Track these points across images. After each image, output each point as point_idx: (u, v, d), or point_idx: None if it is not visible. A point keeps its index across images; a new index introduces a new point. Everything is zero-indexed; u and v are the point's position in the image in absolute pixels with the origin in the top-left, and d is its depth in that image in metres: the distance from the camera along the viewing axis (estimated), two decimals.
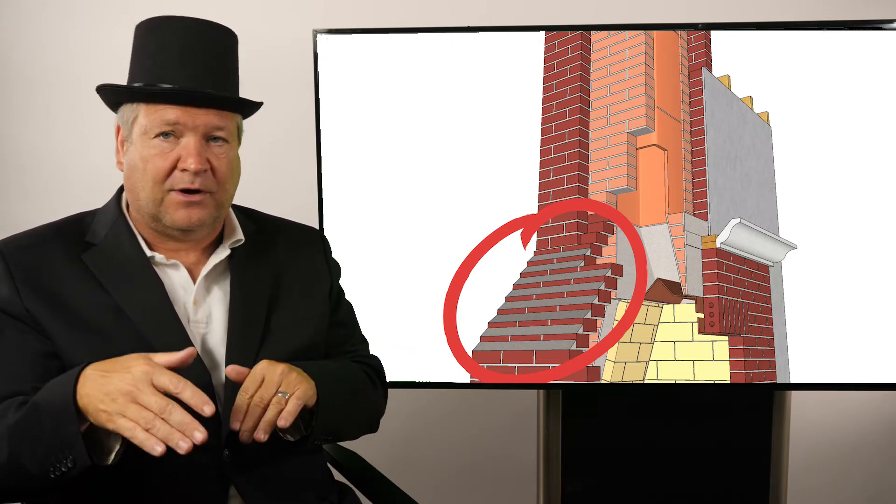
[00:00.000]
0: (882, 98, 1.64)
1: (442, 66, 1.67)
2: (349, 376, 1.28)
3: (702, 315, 1.68)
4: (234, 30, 1.22)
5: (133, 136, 1.14)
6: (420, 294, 1.70)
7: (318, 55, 1.67)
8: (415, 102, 1.68)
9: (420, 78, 1.67)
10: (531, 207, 1.68)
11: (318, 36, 1.67)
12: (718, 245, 1.67)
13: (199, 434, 0.94)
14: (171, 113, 1.12)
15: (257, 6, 2.10)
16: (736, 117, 1.66)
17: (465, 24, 1.69)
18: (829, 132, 1.65)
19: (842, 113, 1.65)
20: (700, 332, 1.68)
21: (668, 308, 1.68)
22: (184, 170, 1.12)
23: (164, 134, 1.12)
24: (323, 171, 1.70)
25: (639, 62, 1.66)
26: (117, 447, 1.01)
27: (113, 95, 1.16)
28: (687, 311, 1.68)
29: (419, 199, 1.69)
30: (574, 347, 1.68)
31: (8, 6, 2.10)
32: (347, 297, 1.42)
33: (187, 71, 1.13)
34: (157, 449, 0.93)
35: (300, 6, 2.10)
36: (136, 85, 1.14)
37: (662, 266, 1.68)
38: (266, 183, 2.05)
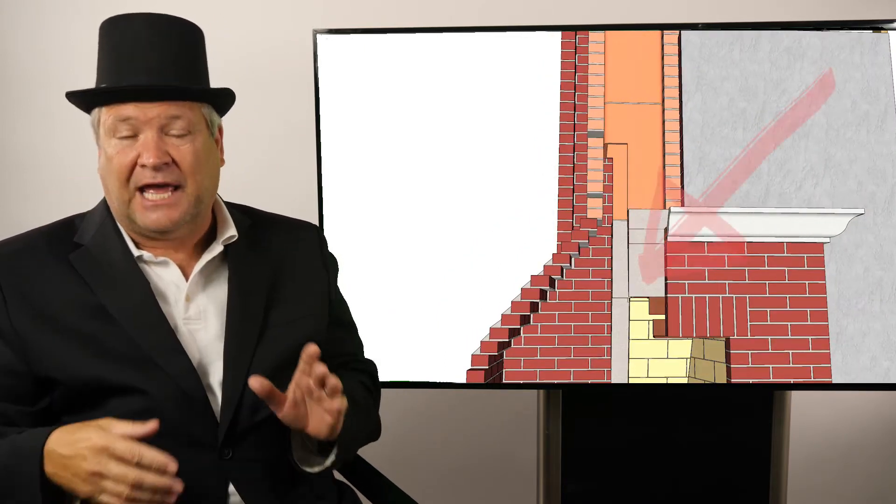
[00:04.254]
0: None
1: (441, 66, 1.67)
2: (360, 399, 1.28)
3: (662, 316, 1.67)
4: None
5: (101, 139, 1.16)
6: (421, 294, 1.70)
7: (318, 55, 1.67)
8: (415, 102, 1.68)
9: (420, 78, 1.67)
10: (531, 208, 1.68)
11: (318, 36, 1.67)
12: (668, 238, 1.66)
13: (178, 485, 0.99)
14: (124, 110, 1.12)
15: (257, 6, 2.10)
16: (761, 65, 1.62)
17: (465, 25, 1.69)
18: None
19: None
20: (657, 333, 1.67)
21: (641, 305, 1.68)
22: (143, 165, 1.12)
23: (126, 133, 1.13)
24: (323, 171, 1.70)
25: (598, 61, 1.66)
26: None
27: (77, 102, 1.18)
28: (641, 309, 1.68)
29: (419, 200, 1.69)
30: (573, 347, 1.68)
31: (8, 6, 2.10)
32: (349, 296, 1.42)
33: (139, 66, 1.13)
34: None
35: (300, 6, 2.10)
36: (80, 90, 1.15)
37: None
38: (266, 183, 2.05)
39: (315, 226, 1.41)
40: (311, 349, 1.06)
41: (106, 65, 1.16)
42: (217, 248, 1.22)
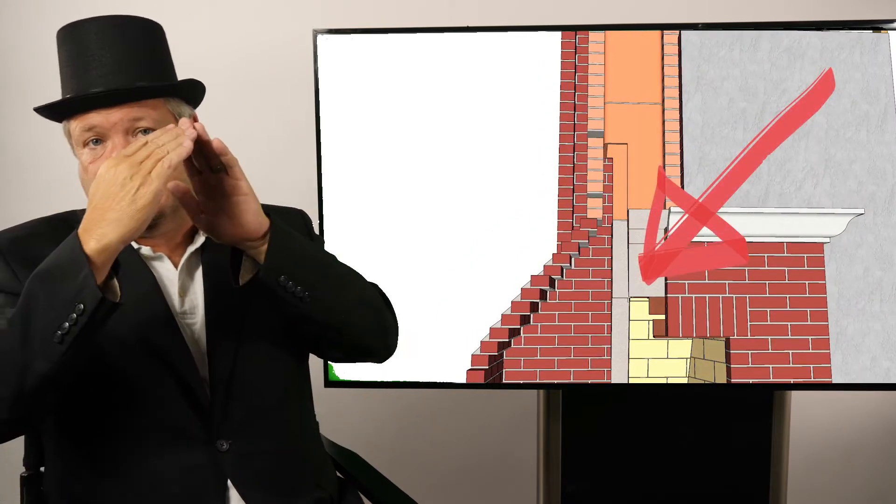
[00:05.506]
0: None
1: (442, 66, 1.67)
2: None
3: (662, 316, 1.67)
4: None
5: (74, 149, 1.18)
6: (421, 294, 1.70)
7: (318, 55, 1.67)
8: (415, 102, 1.68)
9: (420, 78, 1.67)
10: (531, 208, 1.68)
11: (318, 36, 1.67)
12: (668, 238, 1.66)
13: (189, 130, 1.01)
14: (89, 119, 1.13)
15: (257, 6, 2.10)
16: (761, 65, 1.62)
17: (465, 25, 1.69)
18: None
19: None
20: (657, 333, 1.67)
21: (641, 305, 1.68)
22: None
23: (94, 140, 1.14)
24: (323, 171, 1.70)
25: (598, 61, 1.66)
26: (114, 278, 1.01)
27: (47, 115, 1.18)
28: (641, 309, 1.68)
29: (420, 200, 1.69)
30: (573, 347, 1.68)
31: (8, 6, 2.10)
32: None
33: (94, 73, 1.14)
34: (187, 144, 1.00)
35: (299, 6, 2.10)
36: (43, 105, 1.16)
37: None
38: (266, 183, 2.04)
39: (301, 210, 1.41)
40: (185, 122, 1.04)
41: (65, 75, 1.17)
42: (199, 240, 1.23)
